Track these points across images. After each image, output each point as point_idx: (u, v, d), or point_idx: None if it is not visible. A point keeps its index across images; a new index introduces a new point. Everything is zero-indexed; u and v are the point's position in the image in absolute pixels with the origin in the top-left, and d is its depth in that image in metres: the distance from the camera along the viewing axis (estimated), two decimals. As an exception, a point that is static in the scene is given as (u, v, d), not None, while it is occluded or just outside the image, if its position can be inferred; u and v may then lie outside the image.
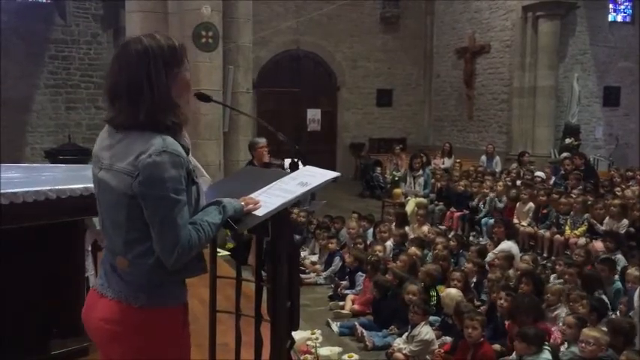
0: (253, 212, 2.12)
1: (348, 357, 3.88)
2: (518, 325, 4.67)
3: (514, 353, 4.42)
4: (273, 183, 2.28)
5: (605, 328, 4.48)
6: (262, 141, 7.07)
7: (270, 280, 2.19)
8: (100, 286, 2.04)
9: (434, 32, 17.49)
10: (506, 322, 4.99)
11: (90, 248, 4.23)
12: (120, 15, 11.97)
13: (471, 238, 8.65)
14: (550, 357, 4.20)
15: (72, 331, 4.00)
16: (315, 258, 7.97)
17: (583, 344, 4.19)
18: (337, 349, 3.81)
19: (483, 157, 13.30)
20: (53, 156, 9.96)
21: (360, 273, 6.68)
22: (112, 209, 1.98)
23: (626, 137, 15.33)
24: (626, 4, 15.51)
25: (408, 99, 17.74)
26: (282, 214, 2.14)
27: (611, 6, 15.38)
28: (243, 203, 2.11)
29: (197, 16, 8.24)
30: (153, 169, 1.86)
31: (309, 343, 3.75)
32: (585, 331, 4.30)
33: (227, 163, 8.87)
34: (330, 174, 2.30)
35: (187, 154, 2.02)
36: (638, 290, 4.94)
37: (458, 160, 12.97)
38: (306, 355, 3.73)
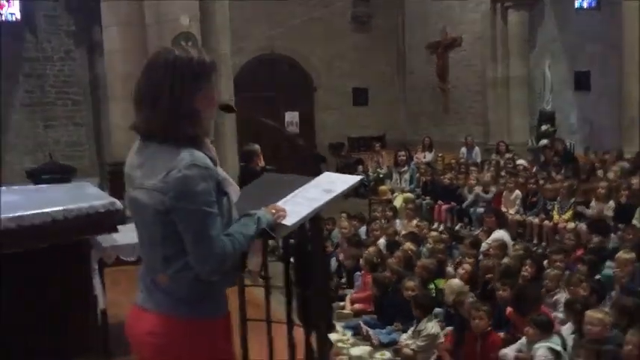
0: (282, 222, 2.15)
1: (380, 355, 3.91)
2: (521, 314, 4.76)
3: (523, 338, 4.50)
4: (296, 191, 2.31)
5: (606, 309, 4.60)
6: (258, 147, 7.13)
7: (306, 286, 2.22)
8: (142, 301, 2.06)
9: (405, 29, 17.62)
10: (508, 309, 5.07)
11: (97, 267, 4.21)
12: (92, 30, 11.87)
13: (461, 231, 8.77)
14: (559, 341, 4.30)
15: (82, 349, 3.99)
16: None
17: (588, 326, 4.29)
18: (368, 348, 3.85)
19: (463, 149, 13.47)
20: (35, 176, 9.78)
21: (358, 272, 6.73)
22: (148, 227, 2.00)
23: (599, 120, 15.61)
24: (592, -11, 15.80)
25: (384, 96, 17.85)
26: (316, 221, 2.18)
27: (576, -7, 15.67)
28: (273, 211, 2.15)
29: (176, 26, 8.20)
30: (183, 183, 1.89)
31: (340, 344, 3.78)
32: (589, 313, 4.40)
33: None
34: (353, 179, 2.33)
35: (215, 165, 2.05)
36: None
37: (440, 154, 13.11)
38: (341, 357, 3.75)
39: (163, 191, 1.91)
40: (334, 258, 7.39)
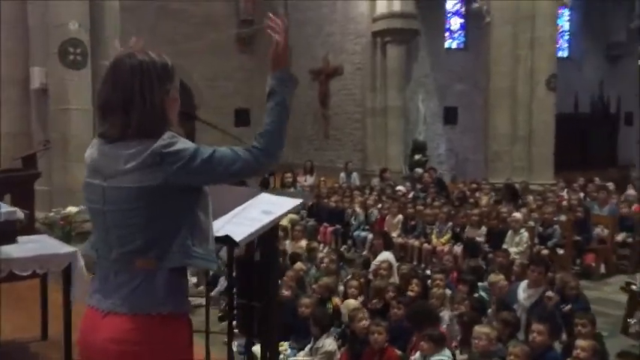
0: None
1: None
2: (417, 330, 5.02)
3: (417, 353, 4.75)
4: (235, 210, 2.32)
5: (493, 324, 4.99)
6: None
7: (260, 299, 2.24)
8: (104, 304, 1.95)
9: (289, 54, 17.94)
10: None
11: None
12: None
13: (348, 252, 9.06)
14: (450, 355, 4.60)
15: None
16: (195, 280, 7.83)
17: (476, 340, 4.64)
18: (307, 359, 3.86)
19: (342, 174, 13.93)
20: None
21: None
22: (128, 213, 1.90)
23: (464, 152, 16.87)
24: (460, 32, 17.17)
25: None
26: (270, 238, 2.22)
27: (447, 34, 16.95)
28: None
29: (64, 32, 7.81)
30: (171, 144, 1.88)
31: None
32: (476, 328, 4.75)
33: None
34: (293, 201, 2.37)
35: None
36: (521, 285, 5.55)
37: (323, 178, 13.43)
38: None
39: (155, 162, 1.85)
40: (223, 277, 7.31)
